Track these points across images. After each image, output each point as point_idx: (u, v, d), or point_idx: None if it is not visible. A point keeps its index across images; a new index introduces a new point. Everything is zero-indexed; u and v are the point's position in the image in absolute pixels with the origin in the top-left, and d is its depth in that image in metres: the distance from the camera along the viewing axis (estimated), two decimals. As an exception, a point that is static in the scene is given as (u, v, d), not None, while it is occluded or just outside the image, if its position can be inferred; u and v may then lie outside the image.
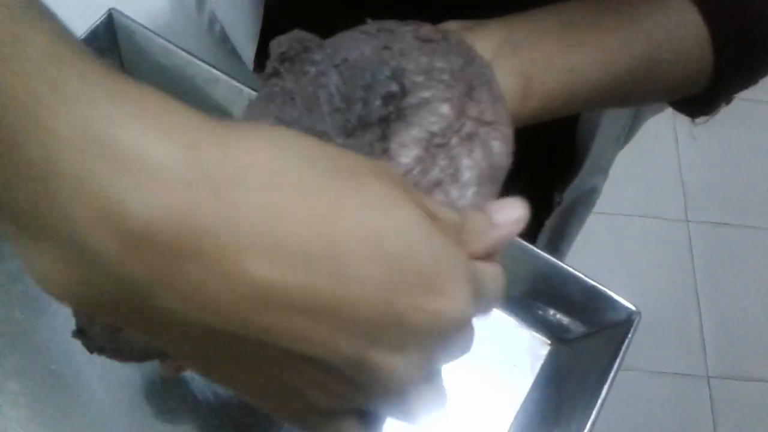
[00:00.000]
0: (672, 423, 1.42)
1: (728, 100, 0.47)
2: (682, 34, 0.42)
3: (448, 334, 0.23)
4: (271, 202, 0.20)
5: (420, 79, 0.30)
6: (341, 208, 0.21)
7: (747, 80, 0.46)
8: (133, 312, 0.20)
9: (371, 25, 0.34)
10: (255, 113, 0.33)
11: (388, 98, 0.29)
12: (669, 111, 0.54)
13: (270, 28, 0.56)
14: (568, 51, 0.39)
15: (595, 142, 0.61)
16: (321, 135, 0.30)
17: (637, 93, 0.45)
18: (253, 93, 0.50)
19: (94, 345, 0.37)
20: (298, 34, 0.34)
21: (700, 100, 0.47)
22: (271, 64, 0.33)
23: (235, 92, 0.52)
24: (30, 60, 0.19)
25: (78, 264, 0.19)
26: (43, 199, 0.19)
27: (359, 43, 0.32)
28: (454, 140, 0.30)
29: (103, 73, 0.20)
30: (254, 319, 0.20)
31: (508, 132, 0.32)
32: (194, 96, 0.53)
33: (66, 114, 0.19)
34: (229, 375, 0.23)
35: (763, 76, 0.46)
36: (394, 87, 0.29)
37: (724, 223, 1.66)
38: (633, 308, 0.46)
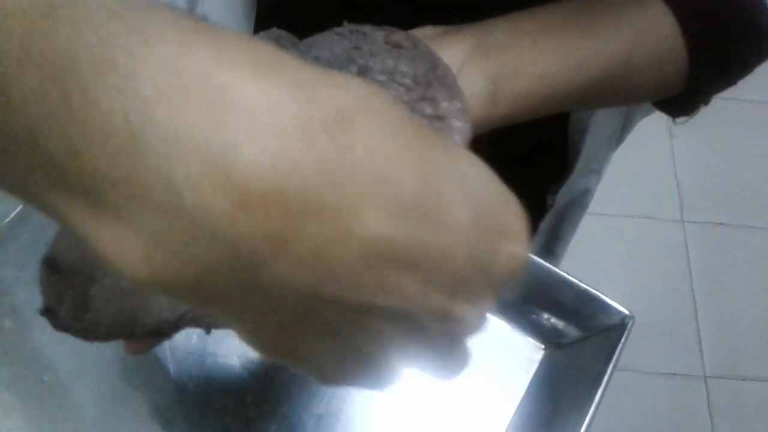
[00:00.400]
0: (669, 423, 1.42)
1: (706, 101, 0.48)
2: (656, 36, 0.42)
3: (514, 279, 0.21)
4: (381, 144, 0.17)
5: (382, 78, 0.31)
6: (434, 149, 0.19)
7: (723, 82, 0.46)
8: (234, 289, 0.18)
9: (346, 27, 0.35)
10: None
11: None
12: (663, 110, 0.54)
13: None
14: (540, 56, 0.40)
15: (586, 143, 0.62)
16: None
17: (613, 95, 0.46)
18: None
19: (60, 324, 0.37)
20: (275, 32, 0.35)
21: (678, 100, 0.47)
22: None
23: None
24: (102, 6, 0.16)
25: (176, 236, 0.16)
26: (128, 159, 0.16)
27: (332, 43, 0.33)
28: None
29: (189, 17, 0.17)
30: (365, 280, 0.18)
31: (462, 125, 0.33)
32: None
33: (154, 57, 0.16)
34: (304, 351, 0.21)
35: (740, 78, 0.46)
36: None
37: (720, 223, 1.67)
38: (626, 312, 0.46)
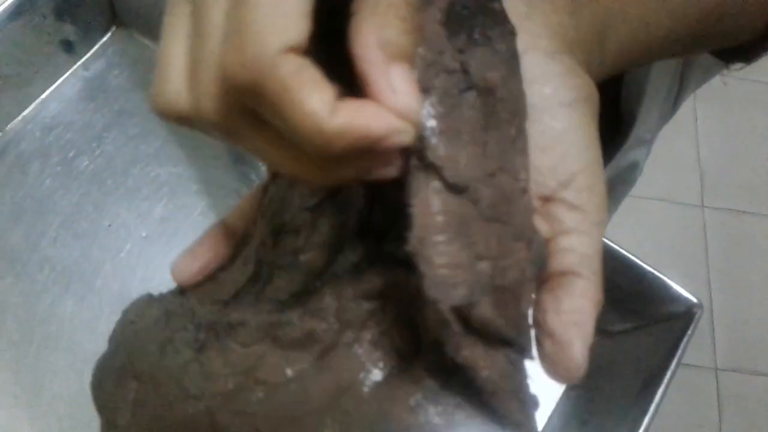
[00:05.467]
0: (677, 413, 1.37)
1: None
2: None
3: None
4: None
5: None
6: None
7: None
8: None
9: None
10: None
11: None
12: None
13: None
14: (642, 1, 0.35)
15: (643, 108, 0.55)
16: None
17: (702, 42, 0.42)
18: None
19: None
20: None
21: (744, 47, 0.43)
22: None
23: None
24: None
25: None
26: None
27: None
28: None
29: None
30: None
31: None
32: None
33: None
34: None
35: None
36: None
37: (740, 211, 1.60)
38: (694, 300, 0.40)
